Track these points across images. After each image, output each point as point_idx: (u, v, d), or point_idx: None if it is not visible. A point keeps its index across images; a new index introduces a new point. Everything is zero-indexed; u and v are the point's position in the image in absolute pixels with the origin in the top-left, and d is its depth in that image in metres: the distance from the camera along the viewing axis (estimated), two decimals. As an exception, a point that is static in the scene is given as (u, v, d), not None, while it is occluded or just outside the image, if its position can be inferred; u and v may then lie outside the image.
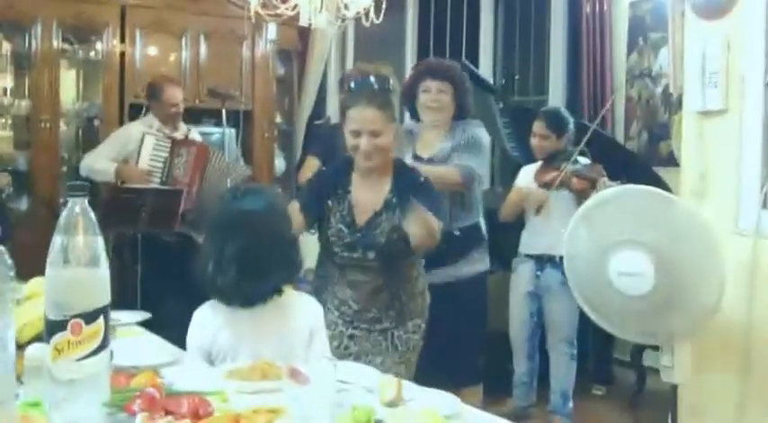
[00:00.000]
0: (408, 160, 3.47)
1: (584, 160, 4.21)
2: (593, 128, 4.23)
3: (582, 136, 4.25)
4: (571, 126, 4.43)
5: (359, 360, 2.85)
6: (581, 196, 3.96)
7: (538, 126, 4.36)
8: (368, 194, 2.89)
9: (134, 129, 5.03)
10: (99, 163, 4.89)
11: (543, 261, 4.24)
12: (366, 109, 2.80)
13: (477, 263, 3.71)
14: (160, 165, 4.78)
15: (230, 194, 2.34)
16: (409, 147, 3.66)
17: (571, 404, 4.38)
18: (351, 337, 2.94)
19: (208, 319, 2.27)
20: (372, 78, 2.95)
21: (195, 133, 5.23)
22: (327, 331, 2.58)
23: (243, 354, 2.13)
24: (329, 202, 2.91)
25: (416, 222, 2.74)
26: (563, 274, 4.20)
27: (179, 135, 5.02)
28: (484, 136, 3.73)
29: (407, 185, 2.86)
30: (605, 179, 4.05)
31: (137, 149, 4.81)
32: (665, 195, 2.75)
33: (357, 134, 2.80)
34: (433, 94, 3.71)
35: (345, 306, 2.92)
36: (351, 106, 2.84)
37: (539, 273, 4.27)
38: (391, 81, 3.00)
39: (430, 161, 3.60)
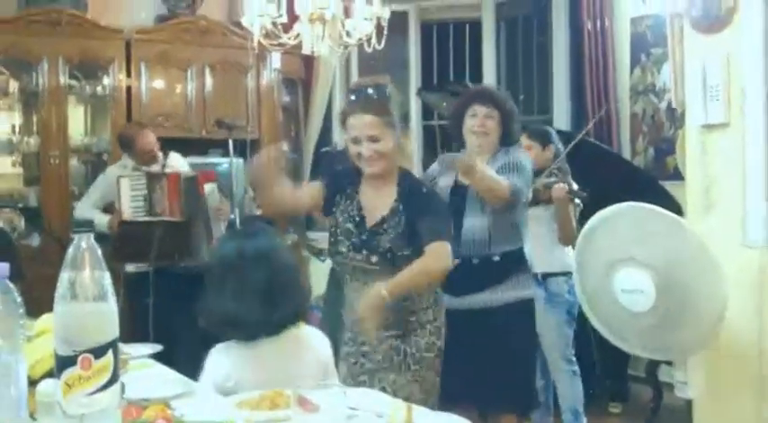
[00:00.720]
0: (448, 184, 3.51)
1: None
2: (578, 137, 4.24)
3: (579, 150, 4.27)
4: (554, 136, 4.47)
5: (373, 378, 2.90)
6: (559, 206, 4.03)
7: (523, 139, 4.40)
8: (374, 200, 2.96)
9: (110, 174, 5.06)
10: (90, 214, 4.88)
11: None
12: (364, 115, 2.88)
13: (519, 289, 3.47)
14: (141, 203, 4.79)
15: (239, 233, 2.42)
16: (452, 173, 3.55)
17: (584, 420, 4.37)
18: (364, 354, 2.95)
19: (223, 361, 2.28)
20: (370, 88, 3.00)
21: (173, 159, 5.22)
22: (345, 349, 2.64)
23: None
24: (338, 197, 3.00)
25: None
26: (545, 290, 4.25)
27: (157, 168, 5.02)
28: (527, 160, 3.59)
29: (412, 194, 2.92)
30: (559, 183, 4.08)
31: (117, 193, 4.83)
32: (661, 212, 2.76)
33: (357, 141, 2.88)
34: (480, 119, 3.60)
35: (354, 315, 2.91)
36: (350, 114, 2.92)
37: None
38: (388, 89, 3.04)
39: (467, 187, 3.47)
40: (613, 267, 2.71)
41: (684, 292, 2.57)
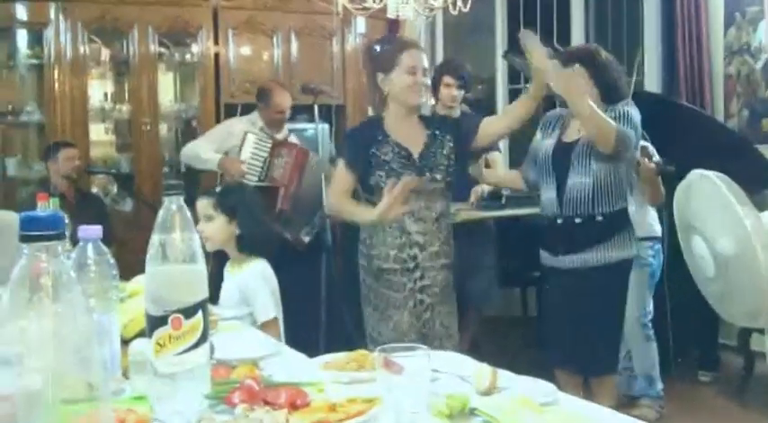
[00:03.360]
0: (551, 143, 3.49)
1: (642, 143, 4.11)
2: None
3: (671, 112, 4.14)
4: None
5: (434, 311, 3.24)
6: (646, 177, 3.94)
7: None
8: (410, 134, 3.28)
9: (237, 125, 5.13)
10: (204, 152, 5.00)
11: None
12: (420, 51, 3.34)
13: (620, 249, 3.43)
14: (259, 163, 4.87)
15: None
16: (555, 132, 3.53)
17: (660, 386, 4.32)
18: (421, 289, 3.24)
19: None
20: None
21: (294, 138, 5.31)
22: (398, 295, 3.21)
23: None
24: (373, 150, 3.23)
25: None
26: None
27: (280, 137, 5.11)
28: (635, 113, 3.41)
29: (442, 120, 3.47)
30: (644, 159, 3.96)
31: (237, 145, 4.91)
32: (722, 191, 2.67)
33: (414, 71, 3.22)
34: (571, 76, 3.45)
35: (408, 249, 3.21)
36: (405, 49, 3.28)
37: None
38: None
39: (572, 145, 3.44)
40: (688, 232, 2.66)
41: (734, 271, 2.50)
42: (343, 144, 3.48)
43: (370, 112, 6.62)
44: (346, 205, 3.34)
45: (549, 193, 3.48)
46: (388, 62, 3.29)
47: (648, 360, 4.32)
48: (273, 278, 3.06)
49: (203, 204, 3.00)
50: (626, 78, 3.62)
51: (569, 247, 3.42)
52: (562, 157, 3.43)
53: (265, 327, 2.80)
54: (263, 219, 3.24)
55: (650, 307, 4.33)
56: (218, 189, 3.29)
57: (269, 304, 2.94)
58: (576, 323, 3.40)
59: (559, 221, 3.43)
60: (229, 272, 3.03)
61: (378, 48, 3.37)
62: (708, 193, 2.73)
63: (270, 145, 4.91)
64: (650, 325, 4.31)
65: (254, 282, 2.94)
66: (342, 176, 3.31)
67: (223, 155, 4.96)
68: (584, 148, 3.37)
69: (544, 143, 3.53)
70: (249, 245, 3.02)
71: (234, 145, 4.97)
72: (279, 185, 4.83)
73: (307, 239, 4.87)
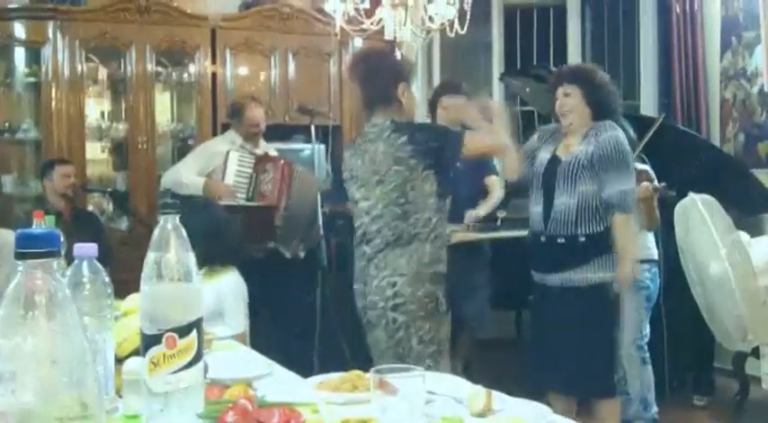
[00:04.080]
0: (546, 157, 3.54)
1: (641, 166, 4.12)
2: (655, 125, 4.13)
3: (667, 136, 4.17)
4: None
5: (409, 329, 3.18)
6: (644, 202, 3.94)
7: None
8: None
9: (217, 146, 5.10)
10: (186, 177, 4.92)
11: None
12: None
13: (603, 271, 3.45)
14: (245, 181, 4.85)
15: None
16: (550, 146, 3.58)
17: (655, 409, 4.29)
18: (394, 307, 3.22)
19: None
20: None
21: (273, 150, 5.30)
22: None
23: None
24: None
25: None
26: None
27: (260, 151, 5.10)
28: (621, 136, 3.46)
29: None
30: (647, 183, 3.98)
31: (221, 165, 4.88)
32: (704, 217, 2.68)
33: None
34: (560, 99, 3.58)
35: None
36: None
37: None
38: None
39: (566, 164, 3.48)
40: (686, 255, 2.67)
41: (715, 295, 2.50)
42: (439, 135, 3.41)
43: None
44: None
45: (536, 208, 3.54)
46: (409, 76, 3.40)
47: (644, 383, 4.30)
48: (245, 288, 3.24)
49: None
50: (620, 100, 3.66)
51: (552, 265, 3.46)
52: (551, 175, 3.49)
53: (234, 339, 2.82)
54: (222, 233, 3.33)
55: (647, 330, 4.32)
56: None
57: (242, 318, 3.12)
58: (561, 343, 3.41)
59: (543, 239, 3.48)
60: (202, 282, 3.05)
61: (400, 58, 3.40)
62: (697, 218, 2.75)
63: (253, 161, 4.89)
64: (646, 348, 4.30)
65: (231, 294, 3.03)
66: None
67: (206, 178, 4.92)
68: (570, 168, 3.42)
69: (540, 156, 3.58)
70: (217, 260, 3.10)
71: (217, 165, 4.91)
72: (268, 202, 4.81)
73: (302, 254, 4.86)
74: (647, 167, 4.17)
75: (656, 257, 4.32)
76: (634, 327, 4.22)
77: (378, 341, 3.23)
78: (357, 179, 3.31)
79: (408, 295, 3.16)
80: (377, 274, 3.20)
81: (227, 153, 4.87)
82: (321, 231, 4.44)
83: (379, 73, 3.32)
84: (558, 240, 3.42)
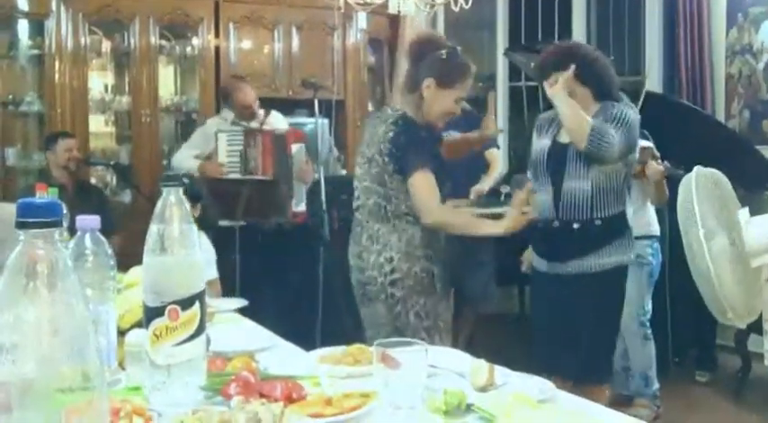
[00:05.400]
0: (546, 144, 3.40)
1: (644, 143, 4.10)
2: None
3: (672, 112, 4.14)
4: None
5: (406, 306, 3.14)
6: (635, 178, 3.92)
7: None
8: None
9: (209, 127, 5.17)
10: (185, 162, 5.06)
11: None
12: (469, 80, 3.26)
13: (619, 254, 3.35)
14: (237, 158, 4.86)
15: None
16: (549, 134, 3.43)
17: (656, 385, 4.32)
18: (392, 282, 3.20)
19: None
20: None
21: (274, 117, 5.28)
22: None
23: None
24: (436, 151, 3.27)
25: None
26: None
27: (255, 124, 5.09)
28: (632, 114, 3.30)
29: None
30: (653, 162, 3.96)
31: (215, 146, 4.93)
32: (690, 195, 2.65)
33: (458, 102, 3.18)
34: (552, 77, 3.35)
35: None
36: (465, 77, 3.19)
37: None
38: None
39: (566, 147, 3.32)
40: (688, 228, 2.66)
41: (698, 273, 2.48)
42: (417, 149, 3.13)
43: (371, 108, 6.66)
44: (453, 217, 3.26)
45: (544, 196, 3.36)
46: (448, 78, 3.15)
47: (646, 359, 4.31)
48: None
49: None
50: (616, 75, 3.50)
51: (567, 252, 3.32)
52: (557, 160, 3.33)
53: (209, 285, 2.95)
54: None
55: (649, 306, 4.33)
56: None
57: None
58: (571, 330, 3.33)
59: (556, 225, 3.33)
60: None
61: (444, 55, 3.25)
62: (705, 192, 2.71)
63: (241, 137, 4.89)
64: (648, 324, 4.31)
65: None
66: (431, 184, 3.06)
67: (199, 161, 4.99)
68: (577, 151, 3.29)
69: (539, 143, 3.44)
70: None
71: (212, 146, 4.98)
72: (259, 175, 4.82)
73: (301, 208, 4.86)
74: (650, 144, 4.14)
75: (657, 233, 4.32)
76: (636, 302, 4.21)
77: (376, 315, 3.23)
78: (361, 154, 3.31)
79: (405, 271, 3.16)
80: (372, 247, 3.19)
81: (216, 134, 4.90)
82: (324, 205, 4.44)
83: (418, 59, 3.26)
84: (574, 225, 3.28)
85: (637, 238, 4.14)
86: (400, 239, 3.14)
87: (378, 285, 3.18)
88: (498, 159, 4.96)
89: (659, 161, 4.13)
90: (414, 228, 3.14)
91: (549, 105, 3.55)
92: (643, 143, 4.07)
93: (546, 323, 3.47)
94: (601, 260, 3.31)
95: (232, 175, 4.81)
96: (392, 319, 3.18)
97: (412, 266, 3.16)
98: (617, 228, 3.34)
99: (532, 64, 5.62)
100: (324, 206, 4.47)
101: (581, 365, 3.29)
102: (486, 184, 4.92)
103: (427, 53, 3.20)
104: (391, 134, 3.10)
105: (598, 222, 3.30)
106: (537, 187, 3.39)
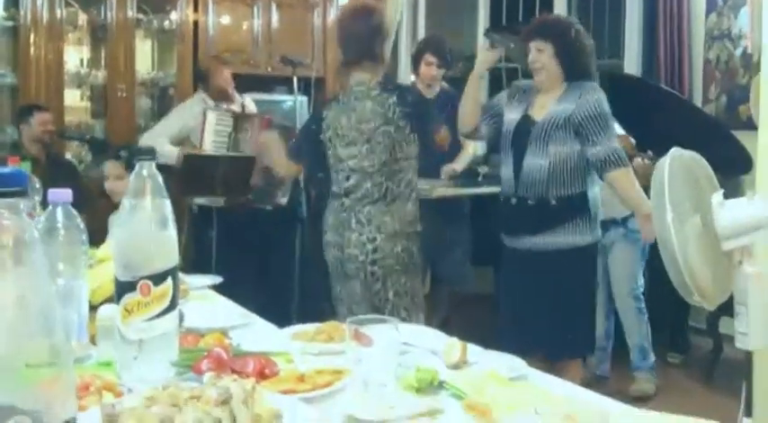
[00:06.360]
0: (515, 117, 3.41)
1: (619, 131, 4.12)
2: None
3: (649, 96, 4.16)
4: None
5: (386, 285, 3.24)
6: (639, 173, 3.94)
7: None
8: None
9: (192, 107, 5.04)
10: (161, 145, 4.76)
11: (608, 223, 4.21)
12: None
13: (575, 235, 3.34)
14: (224, 140, 4.81)
15: None
16: (520, 106, 3.43)
17: (653, 358, 4.40)
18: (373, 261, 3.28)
19: None
20: None
21: (250, 102, 5.25)
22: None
23: None
24: None
25: None
26: (624, 227, 4.30)
27: (236, 107, 5.05)
28: (603, 100, 3.33)
29: None
30: (637, 159, 4.03)
31: (197, 127, 4.82)
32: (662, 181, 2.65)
33: None
34: (532, 54, 3.41)
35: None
36: None
37: (604, 233, 4.27)
38: None
39: (533, 124, 3.35)
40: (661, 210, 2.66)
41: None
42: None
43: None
44: None
45: (506, 171, 3.41)
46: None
47: (641, 333, 4.40)
48: None
49: (114, 165, 3.64)
50: (595, 59, 3.52)
51: (523, 228, 3.36)
52: (522, 136, 3.35)
53: None
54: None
55: (641, 281, 4.40)
56: (122, 152, 3.77)
57: None
58: (531, 306, 3.36)
59: (513, 201, 3.36)
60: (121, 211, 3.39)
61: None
62: (682, 174, 2.71)
63: (231, 119, 4.85)
64: (642, 298, 4.37)
65: None
66: None
67: (179, 148, 4.84)
68: (544, 128, 3.30)
69: (508, 117, 3.44)
70: None
71: (192, 127, 4.87)
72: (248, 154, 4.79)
73: (284, 200, 4.83)
74: (623, 132, 4.17)
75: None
76: (630, 278, 4.34)
77: (353, 293, 3.25)
78: (344, 137, 3.29)
79: (388, 251, 3.19)
80: (359, 228, 3.21)
81: (205, 113, 4.81)
82: (301, 184, 4.42)
83: (369, 29, 3.27)
84: (529, 202, 3.31)
85: (631, 216, 4.15)
86: (393, 218, 3.19)
87: (357, 263, 3.21)
88: (470, 142, 4.94)
89: (642, 155, 4.16)
90: (406, 205, 3.20)
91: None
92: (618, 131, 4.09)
93: (507, 298, 3.52)
94: (555, 239, 3.32)
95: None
96: (370, 296, 3.21)
97: (394, 246, 3.21)
98: (574, 208, 3.35)
99: (512, 45, 5.61)
100: (301, 185, 4.45)
101: (537, 340, 3.28)
102: (458, 164, 4.91)
103: (363, 21, 3.37)
104: (394, 98, 3.25)
105: (553, 201, 3.31)
106: (502, 161, 3.44)
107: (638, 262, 4.38)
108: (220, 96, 5.06)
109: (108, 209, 3.52)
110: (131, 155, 3.35)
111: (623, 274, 4.37)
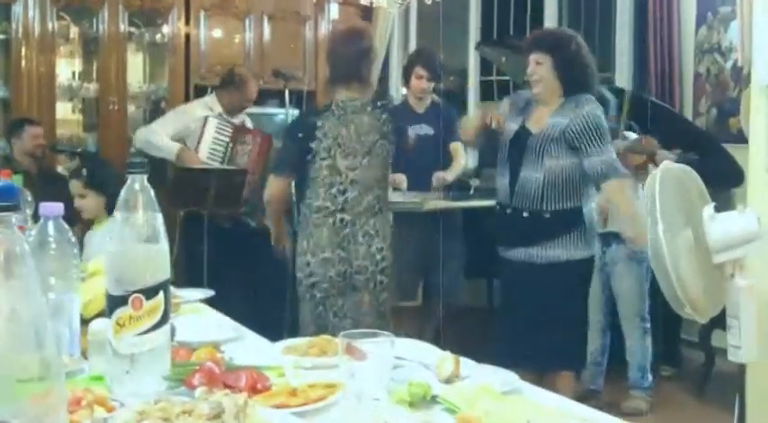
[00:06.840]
0: (513, 129, 3.43)
1: (631, 135, 4.14)
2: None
3: (638, 110, 4.18)
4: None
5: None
6: (639, 171, 3.92)
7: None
8: None
9: (195, 110, 5.05)
10: (161, 139, 4.88)
11: (609, 238, 4.21)
12: None
13: (569, 249, 3.35)
14: (221, 149, 4.81)
15: None
16: (519, 117, 3.45)
17: (651, 378, 4.39)
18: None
19: None
20: None
21: (249, 122, 5.28)
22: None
23: None
24: None
25: None
26: (629, 248, 4.25)
27: (237, 121, 5.06)
28: (599, 116, 3.34)
29: None
30: (663, 151, 4.00)
31: (197, 130, 4.83)
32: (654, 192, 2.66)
33: None
34: (531, 66, 3.41)
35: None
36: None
37: (605, 249, 4.28)
38: None
39: (529, 136, 3.37)
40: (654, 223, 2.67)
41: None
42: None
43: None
44: None
45: (502, 181, 3.45)
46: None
47: (644, 353, 4.38)
48: None
49: (75, 184, 3.53)
50: (596, 73, 3.53)
51: (517, 239, 3.38)
52: (518, 147, 3.38)
53: None
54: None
55: (648, 300, 4.38)
56: (84, 171, 3.71)
57: None
58: (525, 318, 3.37)
59: (509, 211, 3.40)
60: (95, 229, 3.33)
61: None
62: (673, 186, 2.72)
63: (231, 130, 4.85)
64: (648, 318, 4.37)
65: None
66: None
67: (181, 145, 4.86)
68: (540, 141, 3.32)
69: (507, 127, 3.45)
70: None
71: (192, 130, 4.88)
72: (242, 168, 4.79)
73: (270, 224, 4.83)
74: (635, 135, 4.19)
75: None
76: (637, 297, 4.32)
77: (360, 303, 3.29)
78: (344, 148, 3.32)
79: (390, 258, 3.32)
80: (367, 240, 3.29)
81: (206, 119, 4.82)
82: (293, 196, 4.41)
83: (358, 53, 3.38)
84: (524, 214, 3.34)
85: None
86: (391, 228, 3.35)
87: (368, 274, 3.29)
88: (461, 152, 4.93)
89: (668, 152, 4.15)
90: (389, 214, 3.34)
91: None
92: (629, 135, 4.11)
93: (502, 308, 3.57)
94: (547, 252, 3.34)
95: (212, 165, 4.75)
96: (377, 305, 3.29)
97: (392, 253, 3.34)
98: (569, 222, 3.36)
99: (504, 58, 5.65)
100: (293, 197, 4.44)
101: (529, 351, 3.28)
102: (450, 174, 4.90)
103: (354, 45, 3.47)
104: (386, 115, 3.45)
105: (547, 214, 3.34)
106: (498, 170, 3.47)
107: (644, 281, 4.35)
108: (238, 107, 5.08)
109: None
110: (91, 175, 3.55)
111: (630, 295, 4.34)
